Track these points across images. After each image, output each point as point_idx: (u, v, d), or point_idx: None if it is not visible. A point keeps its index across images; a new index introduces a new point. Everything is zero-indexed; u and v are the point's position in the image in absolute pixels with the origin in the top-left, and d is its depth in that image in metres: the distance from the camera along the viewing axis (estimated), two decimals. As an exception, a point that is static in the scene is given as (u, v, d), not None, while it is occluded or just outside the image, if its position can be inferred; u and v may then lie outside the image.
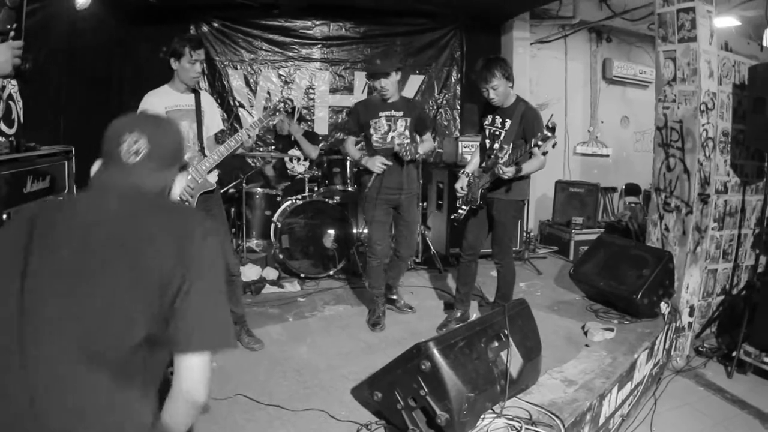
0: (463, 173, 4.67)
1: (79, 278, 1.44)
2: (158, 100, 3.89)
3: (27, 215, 1.55)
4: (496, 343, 3.18)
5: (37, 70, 4.51)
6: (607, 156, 9.37)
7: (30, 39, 3.06)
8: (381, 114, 4.55)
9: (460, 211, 4.61)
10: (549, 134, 3.82)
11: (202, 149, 4.05)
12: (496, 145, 4.37)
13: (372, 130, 4.59)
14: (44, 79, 4.67)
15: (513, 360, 3.23)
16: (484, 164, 4.53)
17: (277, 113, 4.33)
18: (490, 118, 4.49)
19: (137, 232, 1.51)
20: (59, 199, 1.44)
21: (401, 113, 4.56)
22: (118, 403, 1.42)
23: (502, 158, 4.19)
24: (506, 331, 3.23)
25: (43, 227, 1.49)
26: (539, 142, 3.88)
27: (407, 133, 4.59)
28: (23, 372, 1.37)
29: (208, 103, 4.22)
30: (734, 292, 5.56)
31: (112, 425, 1.41)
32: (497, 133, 4.41)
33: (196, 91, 4.11)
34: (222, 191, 4.87)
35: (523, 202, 4.72)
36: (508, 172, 4.08)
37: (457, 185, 4.63)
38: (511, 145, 4.26)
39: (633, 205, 8.77)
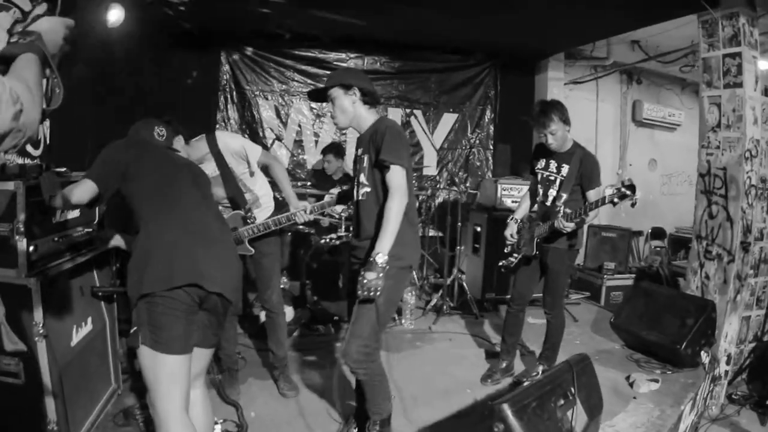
0: (511, 219, 4.51)
1: (183, 174, 2.88)
2: None
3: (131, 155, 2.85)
4: (563, 402, 3.06)
5: (66, 90, 4.44)
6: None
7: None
8: (357, 153, 3.30)
9: (510, 258, 4.47)
10: (628, 192, 3.67)
11: (244, 210, 3.87)
12: (552, 192, 4.24)
13: None
14: (72, 101, 4.58)
15: (579, 419, 3.12)
16: (536, 211, 4.40)
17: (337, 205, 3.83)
18: (543, 162, 4.35)
19: (184, 163, 3.02)
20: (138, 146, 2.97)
21: (360, 150, 3.21)
22: (218, 217, 2.92)
23: (560, 208, 4.08)
24: (573, 390, 3.12)
25: (140, 161, 2.81)
26: (615, 199, 3.71)
27: (365, 180, 3.14)
28: (199, 206, 2.81)
29: (229, 151, 3.86)
30: (765, 338, 5.44)
31: (222, 222, 2.94)
32: (552, 178, 4.27)
33: (212, 143, 3.83)
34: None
35: (578, 251, 4.57)
36: (570, 227, 3.96)
37: (507, 232, 4.48)
38: (569, 192, 4.14)
39: (658, 249, 8.70)
